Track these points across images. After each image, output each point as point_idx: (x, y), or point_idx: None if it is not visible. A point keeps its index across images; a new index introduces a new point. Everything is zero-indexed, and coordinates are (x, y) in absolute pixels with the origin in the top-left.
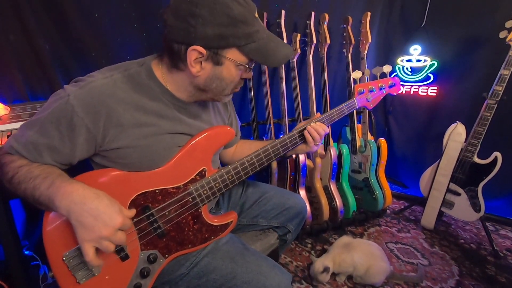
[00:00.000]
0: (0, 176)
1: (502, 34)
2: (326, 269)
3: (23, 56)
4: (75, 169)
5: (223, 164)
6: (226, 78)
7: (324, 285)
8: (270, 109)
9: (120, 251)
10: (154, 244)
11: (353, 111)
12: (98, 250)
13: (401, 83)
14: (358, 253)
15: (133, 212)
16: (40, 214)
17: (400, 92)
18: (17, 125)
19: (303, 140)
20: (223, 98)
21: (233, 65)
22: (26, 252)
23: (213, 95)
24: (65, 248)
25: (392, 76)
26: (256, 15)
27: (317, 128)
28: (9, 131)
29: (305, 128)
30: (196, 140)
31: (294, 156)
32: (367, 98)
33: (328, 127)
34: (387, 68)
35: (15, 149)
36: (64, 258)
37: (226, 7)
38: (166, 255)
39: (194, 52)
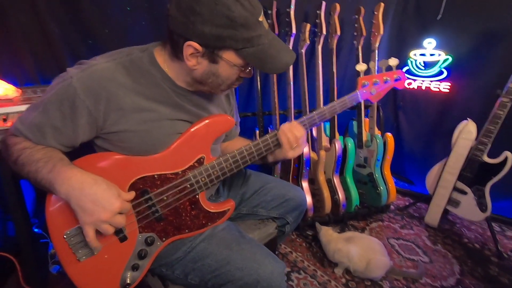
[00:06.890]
0: (6, 158)
1: None
2: (318, 229)
3: (34, 39)
4: (79, 152)
5: None
6: (222, 76)
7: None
8: (276, 100)
9: (119, 232)
10: (152, 227)
11: (361, 105)
12: (98, 231)
13: (413, 77)
14: (355, 247)
15: (132, 194)
16: None
17: (411, 87)
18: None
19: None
20: (220, 92)
21: (228, 66)
22: (36, 230)
23: (210, 88)
24: (66, 226)
25: (404, 70)
26: (261, 18)
27: (292, 128)
28: (20, 112)
29: None
30: (195, 127)
31: None
32: (371, 92)
33: (307, 130)
34: (393, 61)
35: (20, 131)
36: (65, 236)
37: (227, 8)
38: (164, 239)
39: (190, 48)
